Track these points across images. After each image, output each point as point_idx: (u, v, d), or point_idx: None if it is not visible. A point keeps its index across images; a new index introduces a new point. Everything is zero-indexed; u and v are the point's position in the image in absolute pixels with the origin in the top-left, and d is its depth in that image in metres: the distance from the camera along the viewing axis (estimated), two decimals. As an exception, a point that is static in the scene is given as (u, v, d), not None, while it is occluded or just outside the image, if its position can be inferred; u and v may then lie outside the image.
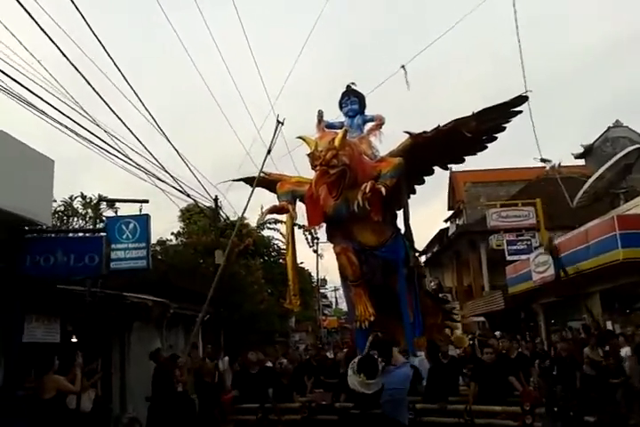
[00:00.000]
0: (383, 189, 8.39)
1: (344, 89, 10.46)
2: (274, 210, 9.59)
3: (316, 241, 20.59)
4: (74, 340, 9.06)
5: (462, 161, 9.44)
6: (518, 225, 20.53)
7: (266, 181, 11.42)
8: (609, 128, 29.07)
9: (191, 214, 21.19)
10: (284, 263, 25.55)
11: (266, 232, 24.31)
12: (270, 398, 8.04)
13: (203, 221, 19.24)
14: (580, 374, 9.50)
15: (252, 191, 9.99)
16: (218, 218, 17.07)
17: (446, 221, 36.38)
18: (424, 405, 7.35)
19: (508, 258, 19.85)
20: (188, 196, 13.38)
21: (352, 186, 8.98)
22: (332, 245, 10.41)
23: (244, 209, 10.55)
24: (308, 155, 8.95)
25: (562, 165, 30.87)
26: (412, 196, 10.05)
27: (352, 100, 10.25)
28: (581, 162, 30.91)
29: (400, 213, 9.94)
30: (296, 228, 22.47)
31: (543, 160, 22.83)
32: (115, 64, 8.98)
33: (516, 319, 20.50)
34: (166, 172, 11.33)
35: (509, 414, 6.80)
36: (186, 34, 15.66)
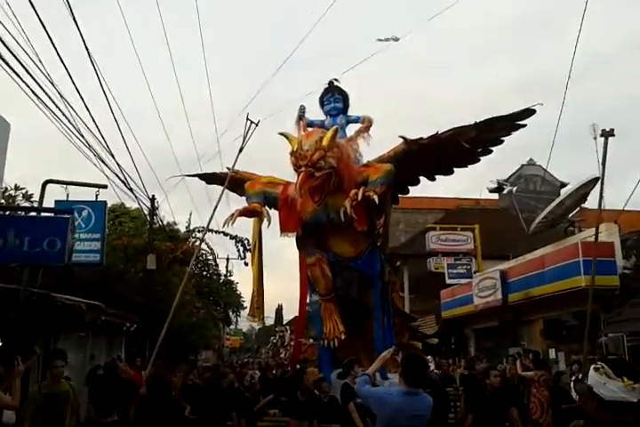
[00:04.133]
0: (376, 198, 7.67)
1: (326, 85, 9.71)
2: (244, 212, 8.61)
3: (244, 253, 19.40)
4: (-1, 343, 7.58)
5: (451, 173, 8.89)
6: (456, 249, 20.56)
7: (230, 180, 10.41)
8: (522, 166, 30.59)
9: (117, 215, 19.44)
10: (212, 276, 24.44)
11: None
12: (236, 422, 6.98)
13: (132, 222, 17.67)
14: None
15: (224, 190, 8.96)
16: (153, 220, 15.66)
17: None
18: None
19: (448, 281, 19.75)
20: (131, 190, 12.00)
21: (335, 191, 8.23)
22: (294, 256, 9.62)
23: (215, 208, 9.36)
24: (291, 153, 8.13)
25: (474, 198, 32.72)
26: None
27: (336, 97, 9.51)
28: (494, 196, 32.51)
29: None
30: (227, 238, 21.63)
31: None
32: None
33: (447, 344, 20.35)
34: (112, 156, 9.92)
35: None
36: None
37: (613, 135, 8.60)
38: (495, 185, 32.23)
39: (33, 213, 7.34)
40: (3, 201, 9.56)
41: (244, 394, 7.78)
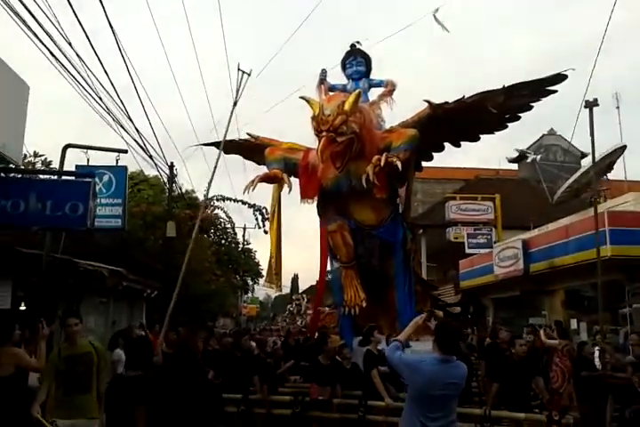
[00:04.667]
0: (399, 164, 7.47)
1: (348, 48, 9.40)
2: (265, 178, 8.48)
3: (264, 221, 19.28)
4: (22, 307, 7.63)
5: (477, 139, 8.64)
6: (476, 219, 20.30)
7: (247, 146, 10.25)
8: (543, 135, 30.14)
9: (135, 182, 19.42)
10: (231, 244, 24.48)
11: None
12: (259, 387, 6.98)
13: (151, 190, 17.65)
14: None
15: (219, 156, 8.67)
16: (172, 187, 15.58)
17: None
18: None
19: (468, 251, 19.58)
20: (151, 157, 11.88)
21: (357, 157, 8.04)
22: (309, 225, 9.49)
23: (213, 173, 8.96)
24: (312, 118, 7.92)
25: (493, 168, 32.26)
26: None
27: (358, 60, 9.23)
28: (513, 166, 32.03)
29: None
30: (246, 207, 21.53)
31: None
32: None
33: (465, 313, 20.32)
34: (131, 121, 9.73)
35: (533, 422, 6.03)
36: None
37: (597, 105, 8.24)
38: (515, 155, 31.85)
39: (54, 177, 7.21)
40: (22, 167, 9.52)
41: (266, 360, 7.76)
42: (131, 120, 9.57)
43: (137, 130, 10.00)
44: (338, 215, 8.66)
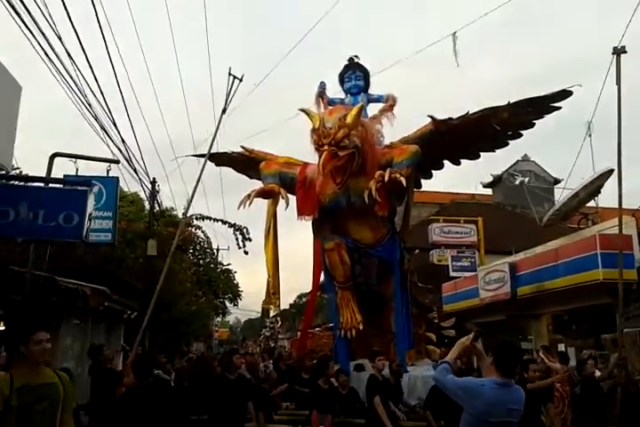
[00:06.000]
0: (403, 180, 7.26)
1: (346, 62, 9.23)
2: (260, 193, 8.16)
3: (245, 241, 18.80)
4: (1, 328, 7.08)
5: (477, 157, 8.49)
6: (460, 242, 20.25)
7: (241, 160, 9.93)
8: (517, 161, 30.67)
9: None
10: (209, 264, 23.87)
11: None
12: (254, 415, 6.50)
13: (130, 206, 17.13)
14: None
15: (204, 165, 8.31)
16: (154, 204, 15.14)
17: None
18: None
19: (452, 274, 19.44)
20: (135, 171, 11.47)
21: (357, 173, 7.80)
22: (311, 240, 9.15)
23: (193, 193, 8.48)
24: (313, 131, 7.68)
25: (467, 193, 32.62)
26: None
27: (357, 75, 9.05)
28: (487, 191, 32.44)
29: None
30: (226, 226, 21.03)
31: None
32: None
33: (448, 338, 20.05)
34: (115, 126, 9.29)
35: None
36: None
37: (625, 52, 7.80)
38: (490, 179, 32.29)
39: (50, 185, 6.69)
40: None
41: (260, 385, 7.32)
42: (116, 127, 9.19)
43: (122, 140, 9.61)
44: (335, 233, 8.36)
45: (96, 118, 8.42)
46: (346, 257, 8.28)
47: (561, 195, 22.77)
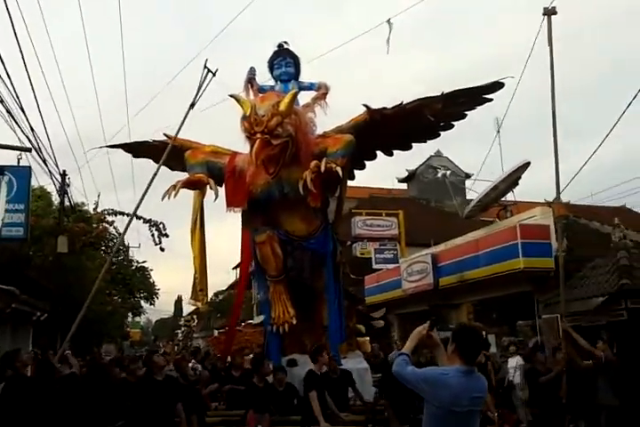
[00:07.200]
0: (339, 170, 7.08)
1: (276, 48, 8.89)
2: (187, 183, 7.73)
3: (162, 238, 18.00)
4: None
5: (409, 148, 8.44)
6: (382, 235, 20.48)
7: (162, 149, 9.36)
8: (431, 157, 31.69)
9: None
10: (123, 262, 22.72)
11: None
12: (184, 418, 6.08)
13: (37, 201, 15.93)
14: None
15: (163, 159, 7.93)
16: (64, 198, 14.12)
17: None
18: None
19: (375, 266, 19.61)
20: (44, 162, 10.58)
21: (290, 163, 7.52)
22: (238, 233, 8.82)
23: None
24: (244, 118, 7.32)
25: (384, 187, 33.50)
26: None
27: (287, 61, 8.70)
28: (402, 186, 33.36)
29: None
30: (141, 222, 20.11)
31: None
32: None
33: (371, 328, 20.29)
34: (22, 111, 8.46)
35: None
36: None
37: (555, 13, 7.86)
38: (405, 174, 33.10)
39: None
40: None
41: (193, 386, 6.91)
42: (23, 112, 8.38)
43: (32, 128, 8.80)
44: (266, 225, 8.05)
45: (1, 101, 7.60)
46: (278, 249, 7.98)
47: (472, 186, 23.73)
